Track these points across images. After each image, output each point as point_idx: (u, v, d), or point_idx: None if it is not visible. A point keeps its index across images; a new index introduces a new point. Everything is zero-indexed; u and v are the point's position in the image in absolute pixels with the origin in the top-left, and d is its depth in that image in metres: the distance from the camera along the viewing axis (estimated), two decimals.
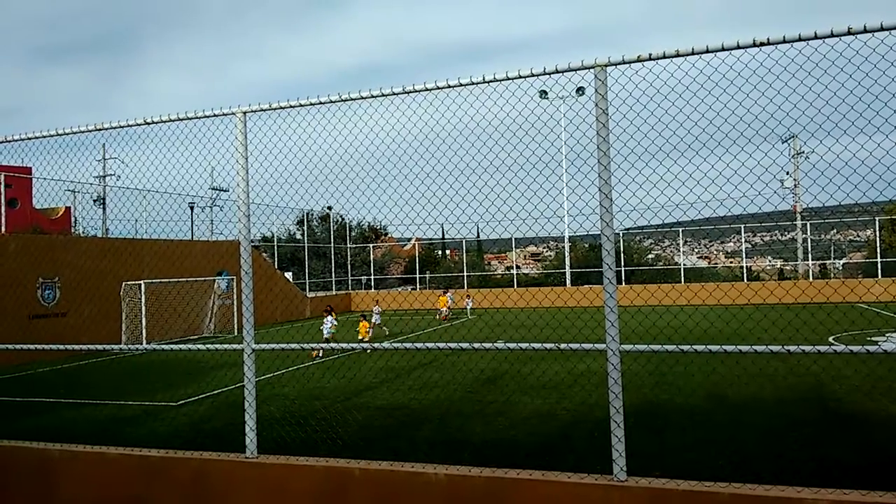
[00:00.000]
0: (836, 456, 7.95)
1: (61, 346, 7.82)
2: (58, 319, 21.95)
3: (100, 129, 7.16)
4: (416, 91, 5.94)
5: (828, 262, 47.31)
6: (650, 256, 47.93)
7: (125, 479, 6.58)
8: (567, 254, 42.06)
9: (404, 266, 54.02)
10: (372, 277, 46.24)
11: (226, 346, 7.46)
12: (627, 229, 40.68)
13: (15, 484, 7.01)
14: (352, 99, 6.15)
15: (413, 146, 6.23)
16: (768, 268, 51.51)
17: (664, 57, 5.20)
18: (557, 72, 5.49)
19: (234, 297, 29.18)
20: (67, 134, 7.28)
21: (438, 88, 5.86)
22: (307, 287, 40.23)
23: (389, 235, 54.64)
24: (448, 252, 61.46)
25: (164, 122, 6.86)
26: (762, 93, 5.10)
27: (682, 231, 41.59)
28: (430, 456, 7.85)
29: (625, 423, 5.26)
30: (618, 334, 5.29)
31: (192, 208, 39.08)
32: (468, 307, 34.40)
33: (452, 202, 6.31)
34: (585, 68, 5.36)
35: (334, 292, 42.08)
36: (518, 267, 52.77)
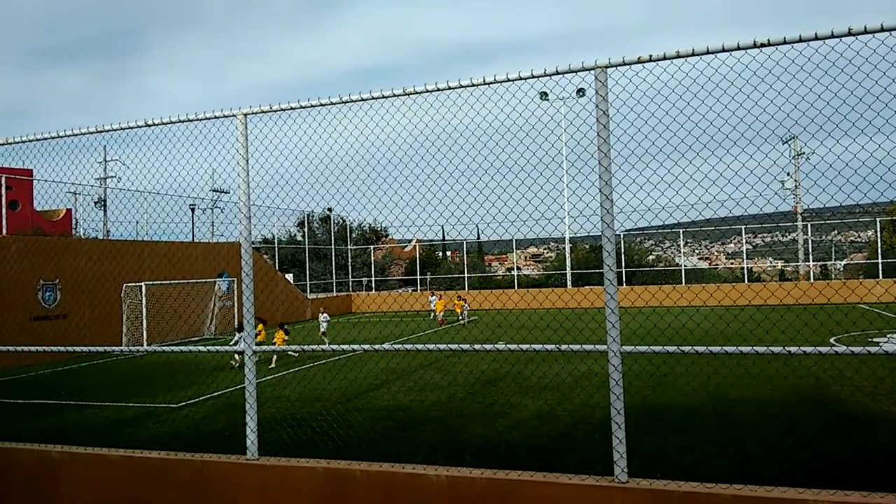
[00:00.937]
0: (838, 457, 7.94)
1: (62, 348, 7.81)
2: (59, 321, 21.97)
3: (101, 132, 7.17)
4: (417, 93, 5.94)
5: (829, 263, 47.27)
6: (651, 257, 47.92)
7: (126, 481, 6.58)
8: (568, 255, 42.06)
9: (405, 268, 54.02)
10: (373, 279, 46.25)
11: (226, 347, 7.45)
12: (628, 230, 40.70)
13: (16, 486, 7.01)
14: (352, 101, 6.15)
15: (413, 147, 6.24)
16: (769, 269, 51.49)
17: (664, 58, 5.20)
18: (558, 73, 5.49)
19: (235, 298, 29.20)
20: (68, 136, 7.29)
21: (439, 90, 5.86)
22: (308, 289, 40.23)
23: (390, 237, 54.68)
24: (449, 253, 61.44)
25: (165, 123, 6.86)
26: (762, 94, 5.10)
27: (683, 232, 41.59)
28: (431, 457, 7.85)
29: (626, 425, 5.25)
30: (619, 336, 5.29)
31: (193, 210, 39.09)
32: (464, 312, 29.37)
33: (453, 203, 6.31)
34: (586, 70, 5.37)
35: (335, 294, 42.10)
36: (519, 268, 52.75)
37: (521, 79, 5.60)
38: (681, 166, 5.47)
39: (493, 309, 33.90)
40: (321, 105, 6.26)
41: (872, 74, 4.77)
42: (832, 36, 4.77)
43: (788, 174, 41.40)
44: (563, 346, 5.66)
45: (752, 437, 9.06)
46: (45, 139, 7.44)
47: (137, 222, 27.81)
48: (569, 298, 35.91)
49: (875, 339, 18.76)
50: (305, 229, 44.56)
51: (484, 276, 48.56)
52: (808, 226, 42.82)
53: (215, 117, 6.63)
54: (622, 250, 40.26)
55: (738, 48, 4.99)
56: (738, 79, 5.11)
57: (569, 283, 41.55)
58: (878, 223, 38.48)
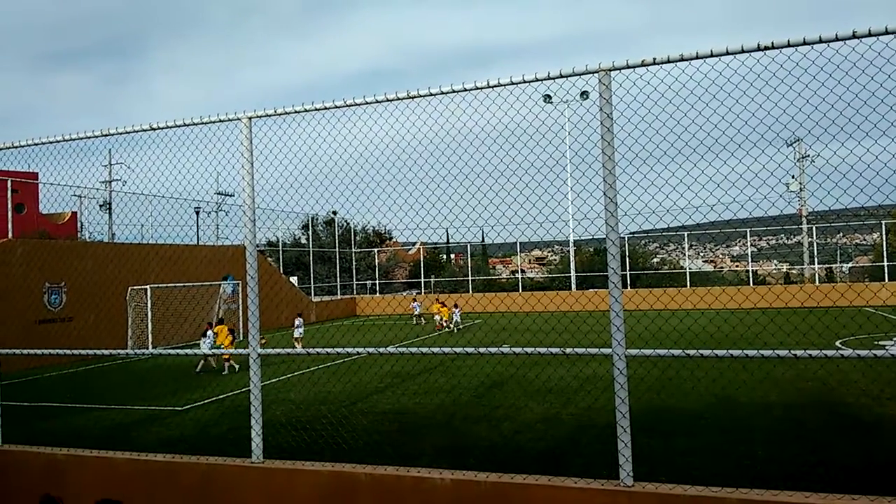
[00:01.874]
0: (845, 461, 7.91)
1: (68, 351, 7.84)
2: (64, 324, 22.02)
3: (106, 135, 7.20)
4: (421, 96, 5.95)
5: (834, 265, 47.12)
6: (655, 260, 47.85)
7: (132, 484, 6.59)
8: (572, 258, 42.01)
9: (409, 270, 54.05)
10: (377, 282, 46.26)
11: (231, 350, 7.47)
12: (632, 233, 40.64)
13: (23, 488, 7.02)
14: (356, 104, 6.17)
15: (418, 151, 6.24)
16: (774, 272, 51.34)
17: (668, 61, 5.20)
18: (562, 76, 5.49)
19: (240, 301, 29.25)
20: (73, 139, 7.32)
21: (443, 93, 5.87)
22: (312, 291, 40.28)
23: (394, 240, 54.70)
24: (453, 256, 61.45)
25: (170, 127, 6.89)
26: (767, 97, 5.09)
27: (688, 235, 41.53)
28: (435, 461, 7.84)
29: (631, 428, 5.24)
30: (623, 339, 5.28)
31: (197, 213, 39.13)
32: (455, 318, 28.14)
33: (457, 206, 6.32)
34: (590, 73, 5.37)
35: (339, 297, 42.13)
36: (523, 271, 52.71)
37: (525, 82, 5.60)
38: (685, 169, 5.47)
39: (498, 312, 33.87)
40: (325, 108, 6.27)
41: (877, 77, 4.77)
42: (836, 39, 4.76)
43: (793, 177, 41.33)
44: (568, 350, 5.65)
45: (759, 440, 9.03)
46: (51, 143, 7.47)
47: (142, 225, 27.90)
48: (573, 301, 35.81)
49: (881, 343, 18.68)
50: (310, 232, 44.60)
51: (488, 279, 48.54)
52: (813, 228, 42.72)
53: (220, 121, 6.65)
54: (626, 253, 40.19)
55: (742, 51, 4.99)
56: (742, 82, 5.11)
57: (573, 285, 41.50)
58: (883, 226, 38.36)
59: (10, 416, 7.94)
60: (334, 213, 42.81)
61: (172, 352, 8.46)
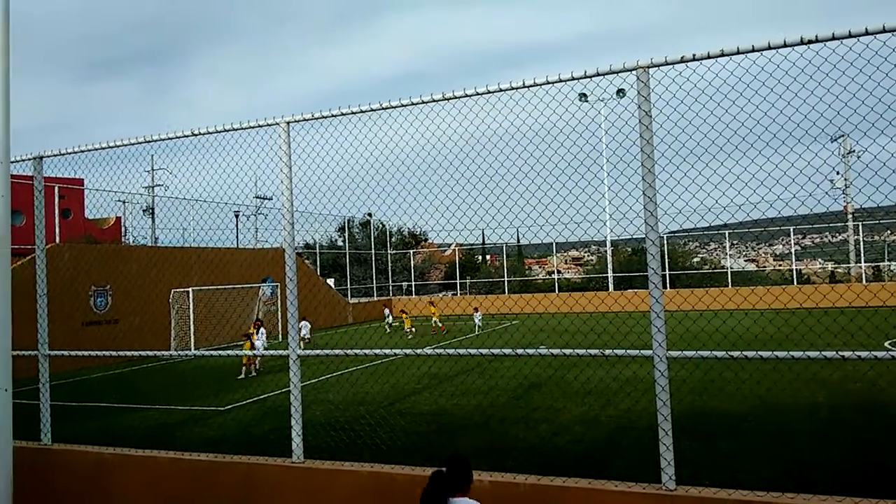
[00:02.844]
0: (895, 465, 7.66)
1: (113, 353, 8.04)
2: (109, 326, 22.60)
3: (148, 141, 7.37)
4: (456, 97, 5.95)
5: (882, 264, 45.71)
6: (696, 260, 47.03)
7: (176, 482, 6.73)
8: (609, 258, 41.54)
9: (444, 271, 54.11)
10: (413, 283, 46.41)
11: (271, 352, 7.57)
12: (672, 232, 40.03)
13: (72, 486, 7.23)
14: (391, 107, 6.20)
15: (453, 152, 6.24)
16: (819, 271, 50.04)
17: (708, 57, 5.10)
18: (599, 74, 5.44)
19: (279, 303, 29.64)
20: (117, 146, 7.51)
21: (478, 94, 5.86)
22: (349, 293, 40.62)
23: (430, 241, 54.82)
24: (489, 257, 61.32)
25: (210, 133, 7.01)
26: (811, 91, 4.95)
27: (729, 234, 40.73)
28: (474, 462, 7.81)
29: (673, 431, 5.16)
30: (664, 340, 5.20)
31: (237, 216, 39.79)
32: (476, 321, 27.42)
33: (493, 207, 6.30)
34: (627, 70, 5.31)
35: (375, 298, 42.40)
36: (559, 272, 52.33)
37: (562, 81, 5.56)
38: (727, 166, 5.36)
39: (535, 313, 33.69)
40: (361, 112, 6.31)
41: None
42: (884, 31, 4.62)
43: (838, 173, 40.21)
44: (607, 351, 5.58)
45: (805, 443, 8.80)
46: (96, 149, 7.67)
47: (184, 229, 28.44)
48: (612, 302, 35.46)
49: None
50: (346, 234, 45.02)
51: (524, 280, 48.33)
52: (860, 226, 41.50)
53: (259, 126, 6.75)
54: (666, 252, 39.58)
55: (785, 45, 4.87)
56: (784, 76, 4.98)
57: (611, 286, 41.04)
58: None
59: (60, 415, 8.17)
60: (370, 215, 43.13)
61: (214, 353, 8.60)
